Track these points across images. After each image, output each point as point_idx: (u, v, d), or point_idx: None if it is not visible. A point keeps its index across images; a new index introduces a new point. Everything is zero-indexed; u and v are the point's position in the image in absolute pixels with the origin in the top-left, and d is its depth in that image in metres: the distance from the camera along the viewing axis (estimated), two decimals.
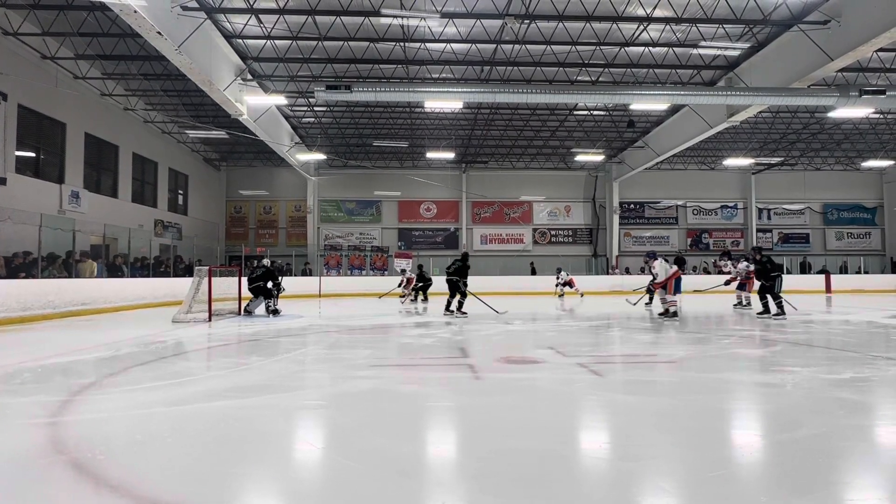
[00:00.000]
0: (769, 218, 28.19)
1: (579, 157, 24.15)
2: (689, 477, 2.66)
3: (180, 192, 24.01)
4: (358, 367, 5.53)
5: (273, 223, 27.39)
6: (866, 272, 25.10)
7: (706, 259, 26.78)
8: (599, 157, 24.23)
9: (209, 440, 3.19)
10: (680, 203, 27.99)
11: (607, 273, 25.24)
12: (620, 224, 27.31)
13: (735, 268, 13.91)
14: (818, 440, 3.17)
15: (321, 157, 23.38)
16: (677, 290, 10.96)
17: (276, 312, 11.53)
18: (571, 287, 18.41)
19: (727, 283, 14.32)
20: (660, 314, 10.68)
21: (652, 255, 11.16)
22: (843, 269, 25.56)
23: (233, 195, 27.32)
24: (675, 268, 10.72)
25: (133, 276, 15.42)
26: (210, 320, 10.27)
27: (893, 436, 3.42)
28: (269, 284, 11.60)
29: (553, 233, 27.86)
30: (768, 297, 10.89)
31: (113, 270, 14.96)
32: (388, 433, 3.34)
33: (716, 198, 28.04)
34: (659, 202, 27.90)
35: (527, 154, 25.85)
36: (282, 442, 3.23)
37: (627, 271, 25.54)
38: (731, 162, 23.62)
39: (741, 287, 13.55)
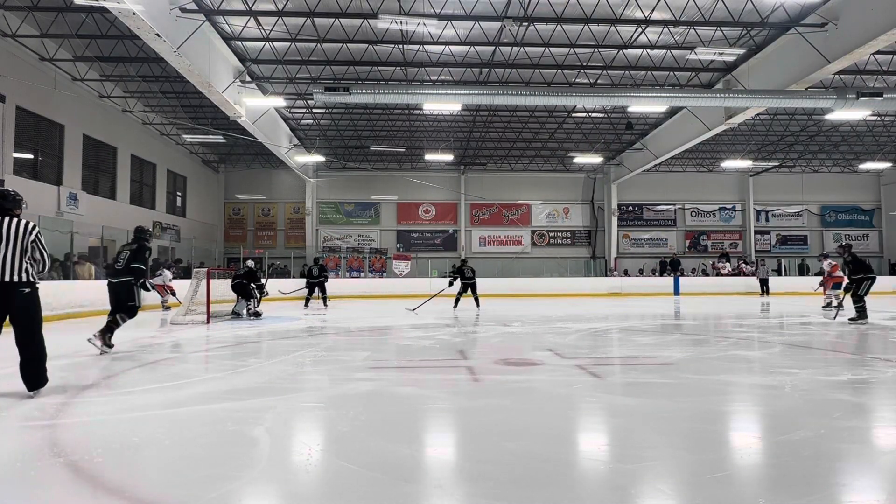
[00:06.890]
0: (767, 220, 28.24)
1: (578, 160, 24.19)
2: (688, 479, 2.66)
3: (178, 193, 23.99)
4: (356, 369, 5.53)
5: (272, 225, 27.38)
6: None
7: (704, 261, 26.81)
8: (598, 160, 24.26)
9: (207, 442, 3.18)
10: (678, 205, 28.02)
11: (606, 275, 25.24)
12: (619, 226, 27.31)
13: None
14: (816, 442, 3.17)
15: (320, 159, 23.42)
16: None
17: (257, 315, 11.43)
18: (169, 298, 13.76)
19: (821, 283, 14.11)
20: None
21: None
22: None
23: (231, 197, 27.31)
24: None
25: None
26: (209, 322, 10.25)
27: (892, 438, 3.42)
28: (252, 285, 11.54)
29: (552, 234, 27.88)
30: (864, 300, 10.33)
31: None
32: (386, 435, 3.34)
33: (714, 200, 28.08)
34: (657, 204, 27.92)
35: (525, 156, 25.86)
36: (280, 444, 3.22)
37: (626, 273, 25.55)
38: (729, 164, 23.70)
39: (836, 287, 12.91)
